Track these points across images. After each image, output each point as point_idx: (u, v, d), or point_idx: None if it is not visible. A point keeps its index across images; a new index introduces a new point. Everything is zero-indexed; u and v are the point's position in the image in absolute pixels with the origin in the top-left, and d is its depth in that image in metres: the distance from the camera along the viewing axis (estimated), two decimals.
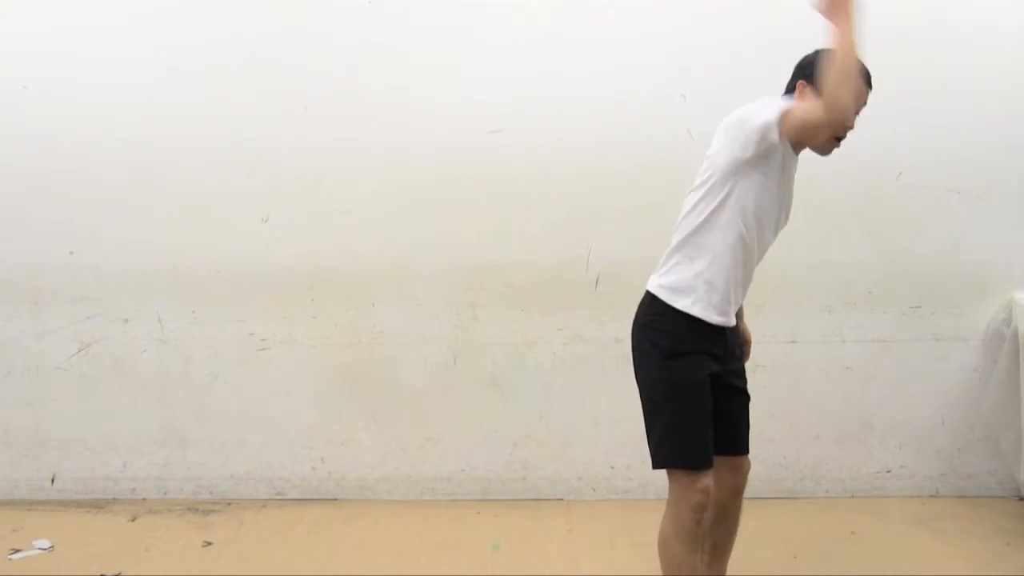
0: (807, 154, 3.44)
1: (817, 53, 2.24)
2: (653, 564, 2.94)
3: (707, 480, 2.26)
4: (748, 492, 3.54)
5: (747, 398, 2.48)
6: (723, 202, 2.25)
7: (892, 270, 3.49)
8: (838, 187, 3.44)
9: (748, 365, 3.54)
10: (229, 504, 3.55)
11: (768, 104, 2.19)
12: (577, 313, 3.49)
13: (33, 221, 3.50)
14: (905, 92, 3.40)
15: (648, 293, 2.37)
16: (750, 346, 2.63)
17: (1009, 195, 3.45)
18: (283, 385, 3.56)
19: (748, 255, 2.30)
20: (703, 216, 2.27)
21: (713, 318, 2.26)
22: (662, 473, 3.53)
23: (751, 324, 3.49)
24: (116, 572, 2.96)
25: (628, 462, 3.53)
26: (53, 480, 3.62)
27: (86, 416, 3.58)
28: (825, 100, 2.06)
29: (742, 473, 2.47)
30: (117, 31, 3.42)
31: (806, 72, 2.26)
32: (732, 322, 2.32)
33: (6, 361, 3.57)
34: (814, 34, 3.35)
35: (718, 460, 2.35)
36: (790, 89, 2.33)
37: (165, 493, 3.61)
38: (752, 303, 3.42)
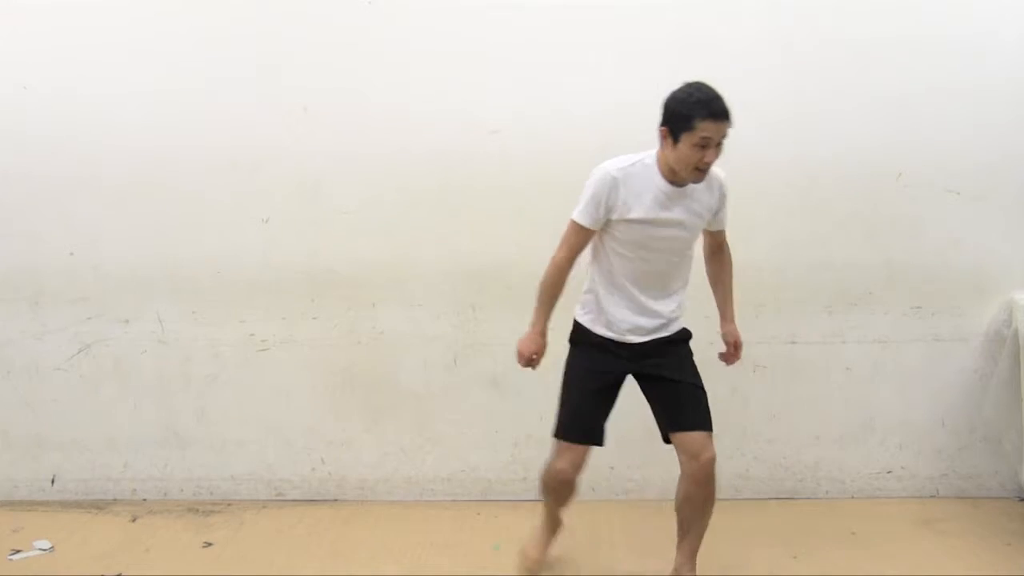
0: (805, 154, 3.47)
1: (675, 98, 2.50)
2: (653, 564, 2.95)
3: (561, 464, 2.69)
4: (748, 492, 3.56)
5: (681, 384, 2.70)
6: (600, 244, 2.67)
7: (892, 271, 3.49)
8: (838, 188, 3.44)
9: (747, 364, 3.58)
10: (229, 505, 3.55)
11: (585, 194, 2.60)
12: None
13: (33, 222, 3.50)
14: (905, 94, 3.41)
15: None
16: (739, 348, 2.90)
17: (1009, 196, 3.45)
18: (283, 386, 3.56)
19: (629, 281, 2.63)
20: (592, 256, 2.71)
21: (599, 330, 2.69)
22: (662, 473, 3.56)
23: (751, 324, 3.51)
24: (116, 573, 2.97)
25: (628, 462, 3.53)
26: (53, 481, 3.62)
27: (86, 417, 3.58)
28: (549, 265, 2.68)
29: (700, 462, 2.60)
30: (117, 32, 3.42)
31: (665, 117, 2.51)
32: (629, 338, 2.66)
33: (6, 361, 3.57)
34: (813, 37, 3.39)
35: (675, 441, 2.66)
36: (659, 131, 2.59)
37: (165, 494, 3.61)
38: (752, 304, 3.45)
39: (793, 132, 3.42)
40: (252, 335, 3.54)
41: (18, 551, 3.14)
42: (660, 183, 2.55)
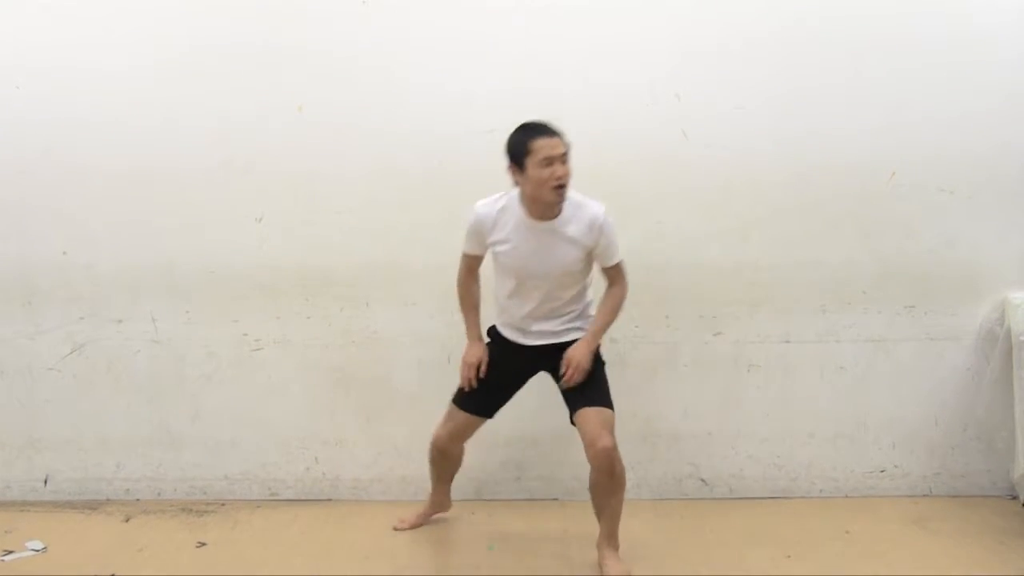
0: (798, 153, 3.48)
1: (510, 139, 2.82)
2: (648, 564, 2.96)
3: (443, 430, 3.11)
4: (742, 492, 3.57)
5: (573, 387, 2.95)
6: (494, 267, 2.99)
7: (886, 270, 3.50)
8: (832, 187, 3.45)
9: (741, 363, 3.58)
10: (223, 505, 3.55)
11: (467, 230, 2.97)
12: None
13: (26, 221, 3.49)
14: (898, 93, 3.42)
15: None
16: (575, 370, 2.92)
17: (1002, 195, 3.46)
18: (277, 385, 3.55)
19: (511, 302, 2.96)
20: (495, 290, 3.04)
21: (507, 334, 3.03)
22: (657, 473, 3.57)
23: (745, 324, 3.52)
24: (110, 573, 2.96)
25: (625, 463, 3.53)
26: (46, 481, 3.61)
27: (79, 417, 3.57)
28: (458, 289, 3.11)
29: (596, 449, 2.78)
30: (110, 31, 3.41)
31: (509, 158, 2.81)
32: (523, 341, 2.99)
33: None
34: (806, 34, 3.39)
35: (577, 426, 2.88)
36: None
37: (159, 494, 3.60)
38: (746, 303, 3.46)
39: (786, 132, 3.43)
40: (246, 335, 3.53)
41: (11, 552, 3.13)
42: (523, 218, 2.84)
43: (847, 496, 3.58)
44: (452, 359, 3.52)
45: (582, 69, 3.41)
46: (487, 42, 3.41)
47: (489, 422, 3.56)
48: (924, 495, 3.57)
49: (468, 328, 3.07)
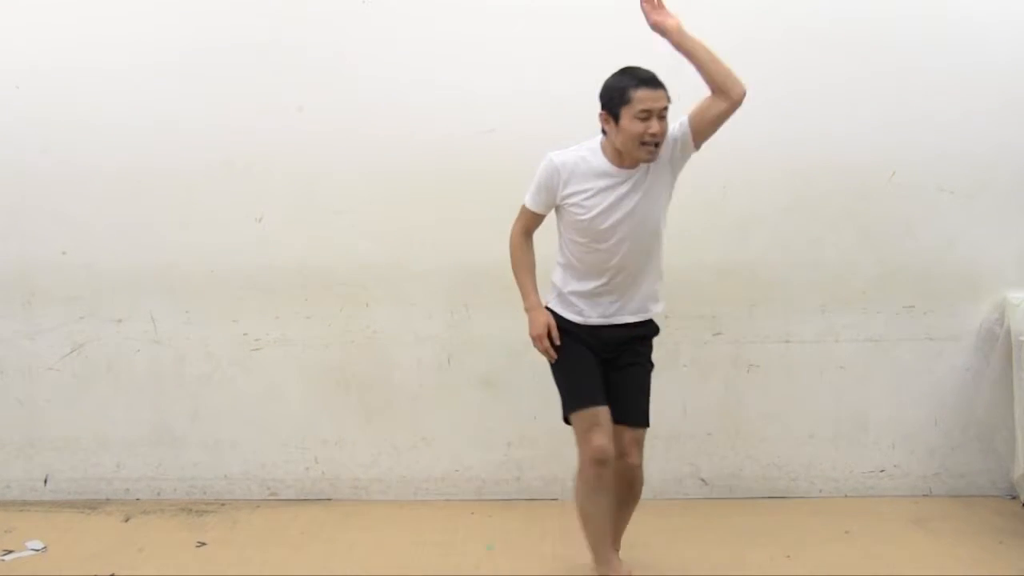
0: (798, 153, 3.48)
1: (607, 83, 2.59)
2: (648, 564, 2.95)
3: (599, 440, 2.58)
4: (742, 492, 3.57)
5: (626, 376, 2.72)
6: (558, 231, 2.72)
7: (885, 270, 3.49)
8: (831, 187, 3.45)
9: (741, 364, 3.58)
10: (223, 504, 3.55)
11: (535, 180, 2.69)
12: None
13: (26, 221, 3.50)
14: (898, 93, 3.41)
15: None
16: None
17: (1001, 195, 3.46)
18: (277, 385, 3.55)
19: (587, 267, 2.65)
20: (558, 256, 2.75)
21: (569, 316, 2.70)
22: (656, 473, 3.56)
23: (745, 324, 3.52)
24: (109, 573, 2.96)
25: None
26: (46, 481, 3.61)
27: (79, 416, 3.57)
28: (510, 240, 2.80)
29: (624, 463, 2.65)
30: (110, 31, 3.41)
31: (602, 103, 2.58)
32: (596, 320, 2.67)
33: None
34: (806, 35, 3.39)
35: (615, 429, 2.64)
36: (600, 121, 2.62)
37: (159, 493, 3.61)
38: (746, 302, 3.46)
39: (786, 132, 3.43)
40: (245, 334, 3.53)
41: (10, 551, 3.13)
42: (604, 165, 2.59)
43: (847, 496, 3.57)
44: (452, 359, 3.53)
45: (582, 69, 3.39)
46: (487, 42, 3.41)
47: (489, 422, 3.57)
48: (924, 495, 3.57)
49: (526, 295, 2.74)
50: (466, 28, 3.41)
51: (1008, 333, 3.38)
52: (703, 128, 2.59)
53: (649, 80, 2.51)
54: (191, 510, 3.50)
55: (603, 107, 2.57)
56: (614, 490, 2.67)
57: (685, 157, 2.64)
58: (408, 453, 3.57)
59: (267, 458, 3.59)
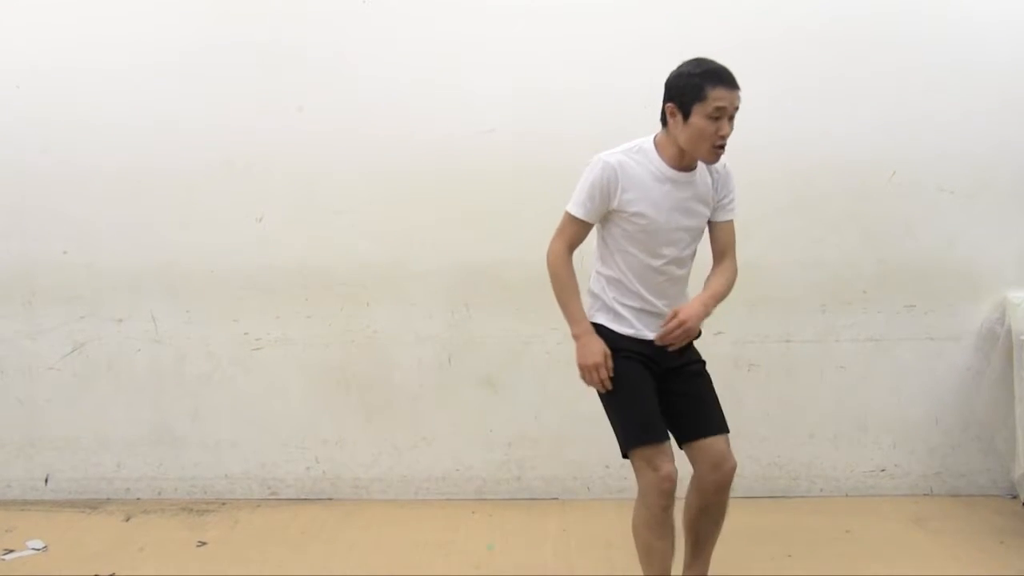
0: (798, 153, 3.48)
1: (680, 72, 2.37)
2: None
3: (668, 466, 2.34)
4: (742, 491, 3.56)
5: (695, 385, 2.51)
6: (603, 241, 2.48)
7: (886, 269, 3.49)
8: (832, 187, 3.45)
9: (742, 364, 3.57)
10: (223, 504, 3.55)
11: (580, 185, 2.42)
12: None
13: (26, 220, 3.50)
14: (898, 92, 3.42)
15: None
16: (679, 324, 2.39)
17: (1002, 194, 3.46)
18: (277, 385, 3.55)
19: (638, 280, 2.42)
20: (598, 250, 2.50)
21: (622, 330, 2.43)
22: None
23: (745, 323, 3.51)
24: (110, 572, 2.96)
25: (622, 461, 3.49)
26: (47, 480, 3.61)
27: (80, 416, 3.57)
28: (548, 259, 2.46)
29: (723, 471, 2.44)
30: (111, 31, 3.42)
31: (672, 93, 2.37)
32: (650, 335, 2.41)
33: None
34: (806, 34, 3.39)
35: (693, 452, 2.45)
36: (662, 112, 2.42)
37: (159, 493, 3.61)
38: (746, 302, 3.46)
39: (787, 132, 3.43)
40: (246, 334, 3.53)
41: (11, 551, 3.13)
42: (661, 167, 2.38)
43: (847, 495, 3.57)
44: (452, 359, 3.53)
45: (581, 69, 3.41)
46: (487, 42, 3.42)
47: (490, 421, 3.57)
48: (924, 494, 3.57)
49: (576, 321, 2.41)
50: (466, 28, 3.41)
51: (1008, 333, 3.37)
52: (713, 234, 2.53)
53: (728, 78, 2.31)
54: (192, 510, 3.50)
55: (671, 99, 2.35)
56: (703, 505, 2.48)
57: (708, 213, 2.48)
58: (408, 453, 3.57)
59: (267, 458, 3.59)
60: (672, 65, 3.44)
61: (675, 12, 3.40)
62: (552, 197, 3.42)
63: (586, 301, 2.49)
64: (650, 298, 2.43)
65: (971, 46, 3.39)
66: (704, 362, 2.57)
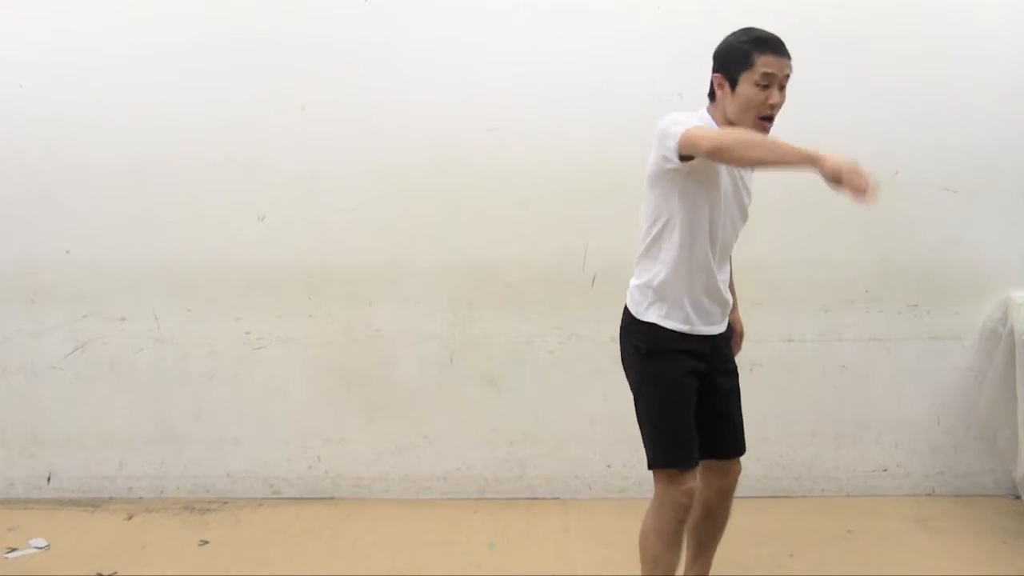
0: None
1: (727, 41, 2.31)
2: None
3: (691, 482, 2.29)
4: (744, 491, 3.54)
5: (727, 404, 2.45)
6: (667, 218, 2.28)
7: (888, 269, 3.49)
8: None
9: (743, 363, 3.54)
10: (225, 503, 3.55)
11: (682, 118, 2.20)
12: (574, 311, 3.48)
13: (29, 219, 3.50)
14: (902, 91, 3.41)
15: (627, 300, 2.41)
16: (741, 339, 2.62)
17: (1005, 194, 3.45)
18: (279, 384, 3.55)
19: (700, 263, 2.29)
20: (651, 233, 2.32)
21: (677, 326, 2.30)
22: None
23: (747, 323, 3.49)
24: (112, 571, 2.96)
25: (624, 460, 3.53)
26: (49, 479, 3.62)
27: (82, 415, 3.57)
28: (719, 147, 2.07)
29: (730, 476, 2.46)
30: (114, 30, 3.41)
31: (718, 63, 2.29)
32: (704, 329, 2.32)
33: (2, 359, 3.56)
34: (808, 32, 3.38)
35: (707, 461, 2.40)
36: (709, 85, 2.33)
37: (162, 492, 3.61)
38: (748, 301, 3.43)
39: (788, 130, 3.39)
40: (248, 333, 3.54)
41: (14, 549, 3.13)
42: None
43: (849, 495, 3.57)
44: (454, 357, 3.53)
45: (584, 67, 3.41)
46: (490, 40, 3.41)
47: (492, 420, 3.58)
48: (927, 494, 3.57)
49: (798, 150, 1.99)
50: (469, 26, 3.40)
51: (1011, 332, 3.37)
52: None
53: (776, 44, 2.23)
54: (194, 508, 3.50)
55: (718, 69, 2.27)
56: (708, 509, 2.49)
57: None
58: (410, 452, 3.57)
59: (269, 456, 3.59)
60: (674, 63, 3.46)
61: (676, 13, 3.39)
62: (554, 196, 3.45)
63: (634, 296, 2.36)
64: (705, 285, 2.30)
65: (975, 44, 3.39)
66: (738, 387, 2.51)
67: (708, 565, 2.58)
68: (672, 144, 2.15)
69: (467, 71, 3.41)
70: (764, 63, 2.20)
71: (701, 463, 2.37)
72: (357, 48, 3.42)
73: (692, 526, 2.48)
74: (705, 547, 2.55)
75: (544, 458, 3.56)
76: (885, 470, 3.58)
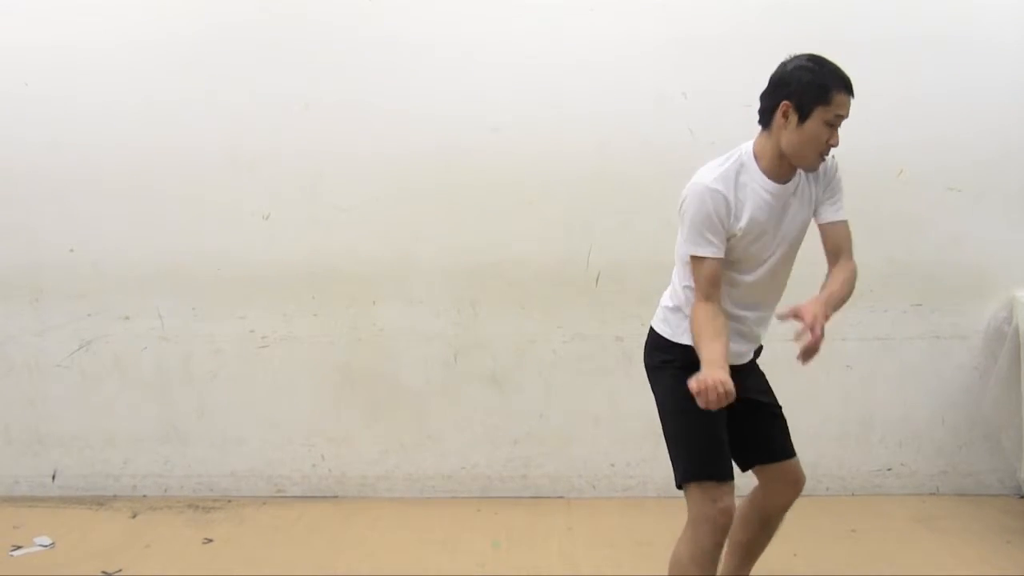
0: None
1: (802, 69, 2.19)
2: (653, 563, 2.94)
3: (729, 500, 2.18)
4: (748, 490, 3.55)
5: (776, 409, 2.44)
6: (686, 263, 2.23)
7: (893, 268, 3.48)
8: None
9: None
10: (229, 501, 3.56)
11: (690, 211, 2.14)
12: (577, 311, 3.48)
13: (33, 218, 3.50)
14: (906, 91, 3.40)
15: (655, 323, 2.37)
16: (813, 322, 2.14)
17: (1009, 193, 3.44)
18: (283, 383, 3.56)
19: (735, 307, 2.25)
20: (683, 281, 2.27)
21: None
22: (662, 471, 3.51)
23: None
24: (117, 569, 2.97)
25: (628, 460, 3.53)
26: (54, 477, 3.62)
27: (87, 413, 3.58)
28: (692, 317, 2.14)
29: (798, 488, 2.38)
30: (118, 29, 3.42)
31: (789, 92, 2.17)
32: (738, 360, 2.27)
33: (7, 358, 3.57)
34: (812, 32, 3.38)
35: (768, 471, 2.37)
36: (767, 110, 2.20)
37: (166, 490, 3.62)
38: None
39: None
40: (252, 332, 3.54)
41: (19, 547, 3.14)
42: (763, 183, 2.17)
43: (853, 495, 3.57)
44: (458, 357, 3.53)
45: (588, 67, 3.41)
46: (494, 40, 3.41)
47: (495, 419, 3.57)
48: (931, 494, 3.56)
49: (704, 352, 2.06)
50: (472, 27, 3.40)
51: (1016, 332, 3.36)
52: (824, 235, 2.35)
53: (850, 84, 2.17)
54: (198, 507, 3.51)
55: (789, 97, 2.14)
56: (766, 519, 2.41)
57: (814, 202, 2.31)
58: (414, 450, 3.57)
59: (274, 455, 3.59)
60: (676, 64, 3.45)
61: (680, 15, 3.39)
62: (558, 196, 3.45)
63: (670, 317, 2.31)
64: (748, 321, 2.28)
65: (981, 43, 3.38)
66: (774, 399, 2.45)
67: (750, 570, 2.52)
68: (683, 253, 2.19)
69: (471, 71, 3.41)
70: (840, 102, 2.15)
71: (765, 471, 2.35)
72: (361, 48, 3.42)
73: (744, 539, 2.41)
74: (753, 557, 2.47)
75: (548, 457, 3.56)
76: (889, 469, 3.58)
